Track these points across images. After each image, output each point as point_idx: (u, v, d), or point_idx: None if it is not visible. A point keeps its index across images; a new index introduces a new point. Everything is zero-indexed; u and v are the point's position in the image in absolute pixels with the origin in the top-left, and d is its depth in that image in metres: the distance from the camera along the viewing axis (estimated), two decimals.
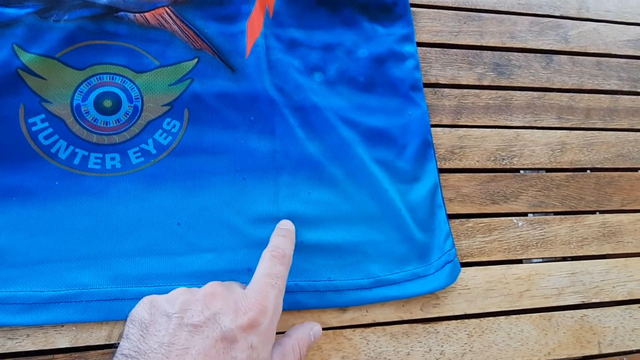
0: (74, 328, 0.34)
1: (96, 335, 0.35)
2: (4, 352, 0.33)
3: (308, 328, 0.34)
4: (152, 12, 0.42)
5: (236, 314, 0.28)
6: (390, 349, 0.38)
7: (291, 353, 0.31)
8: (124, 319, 0.32)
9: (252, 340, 0.28)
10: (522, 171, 0.47)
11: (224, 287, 0.30)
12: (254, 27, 0.43)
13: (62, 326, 0.34)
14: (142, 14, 0.41)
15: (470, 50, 0.49)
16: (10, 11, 0.39)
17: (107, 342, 0.35)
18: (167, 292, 0.31)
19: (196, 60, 0.42)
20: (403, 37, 0.46)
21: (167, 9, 0.42)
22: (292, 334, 0.33)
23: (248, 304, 0.29)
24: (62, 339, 0.34)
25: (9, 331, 0.34)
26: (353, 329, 0.38)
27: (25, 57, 0.38)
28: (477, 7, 0.51)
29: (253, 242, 0.38)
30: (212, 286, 0.30)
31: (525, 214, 0.45)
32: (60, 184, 0.37)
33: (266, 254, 0.33)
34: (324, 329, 0.38)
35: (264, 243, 0.35)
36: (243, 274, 0.38)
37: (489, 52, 0.49)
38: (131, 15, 0.41)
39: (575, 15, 0.54)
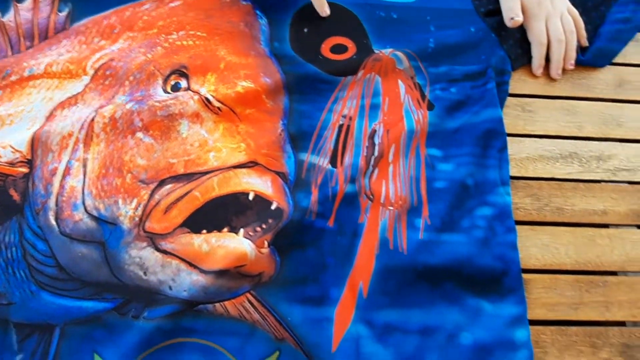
0: None
1: None
2: None
3: None
4: (234, 300, 0.38)
5: None
6: None
7: None
8: None
9: None
10: None
11: None
12: (343, 315, 0.38)
13: None
14: (222, 304, 0.38)
15: (594, 328, 0.41)
16: (89, 304, 0.38)
17: None
18: None
19: (277, 354, 0.37)
20: (514, 320, 0.39)
21: (249, 294, 0.38)
22: None
23: None
24: None
25: None
26: None
27: None
28: (602, 269, 0.43)
29: None
30: None
31: None
32: None
33: None
34: None
35: None
36: None
37: (616, 330, 0.41)
38: (210, 306, 0.38)
39: None
